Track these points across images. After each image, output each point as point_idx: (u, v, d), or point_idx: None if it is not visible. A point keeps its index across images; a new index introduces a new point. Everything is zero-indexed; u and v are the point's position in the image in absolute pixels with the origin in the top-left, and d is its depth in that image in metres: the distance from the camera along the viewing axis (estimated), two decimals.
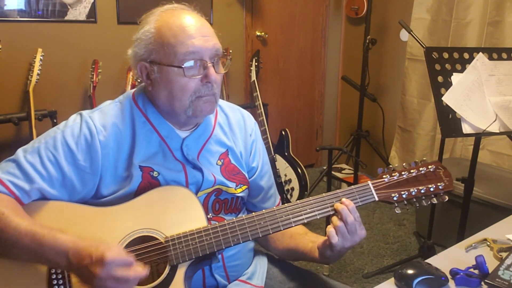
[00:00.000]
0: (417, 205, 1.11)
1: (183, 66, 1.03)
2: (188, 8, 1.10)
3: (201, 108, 1.07)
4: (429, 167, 1.12)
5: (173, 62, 1.03)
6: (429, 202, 1.10)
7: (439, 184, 1.10)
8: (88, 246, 0.92)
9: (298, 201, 1.07)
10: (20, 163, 1.02)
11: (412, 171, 1.11)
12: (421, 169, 1.11)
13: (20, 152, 1.05)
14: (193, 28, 1.04)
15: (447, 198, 1.10)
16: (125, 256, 0.92)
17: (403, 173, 1.10)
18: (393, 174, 1.10)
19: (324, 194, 1.07)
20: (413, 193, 1.09)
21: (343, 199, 1.05)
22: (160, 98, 1.09)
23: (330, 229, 1.04)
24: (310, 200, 1.06)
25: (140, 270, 0.93)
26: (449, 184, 1.11)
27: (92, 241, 0.94)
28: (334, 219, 1.05)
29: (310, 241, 1.17)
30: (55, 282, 0.99)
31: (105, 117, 1.09)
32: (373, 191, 1.08)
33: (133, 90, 1.17)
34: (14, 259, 0.98)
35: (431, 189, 1.09)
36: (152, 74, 1.07)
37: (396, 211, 1.09)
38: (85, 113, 1.10)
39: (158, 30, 1.05)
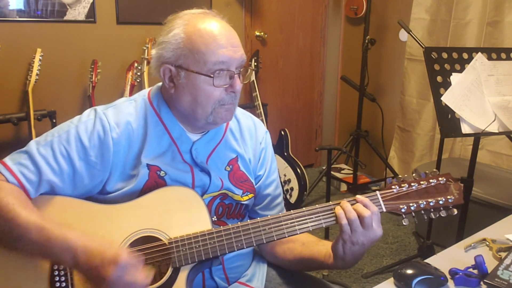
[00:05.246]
0: (425, 217, 1.08)
1: (212, 76, 1.03)
2: (217, 15, 1.09)
3: (222, 116, 1.08)
4: (440, 179, 1.09)
5: (202, 70, 1.03)
6: (438, 215, 1.08)
7: (449, 197, 1.07)
8: (98, 247, 0.92)
9: (304, 208, 1.05)
10: (33, 155, 1.02)
11: (422, 182, 1.08)
12: (431, 181, 1.08)
13: (32, 144, 1.05)
14: (224, 38, 1.04)
15: (456, 211, 1.07)
16: (135, 260, 0.93)
17: (412, 184, 1.08)
18: (402, 185, 1.08)
19: (330, 202, 1.06)
20: (422, 205, 1.06)
21: (342, 202, 1.03)
22: (182, 103, 1.08)
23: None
24: (316, 208, 1.05)
25: (146, 276, 0.93)
26: (459, 197, 1.08)
27: (101, 241, 0.95)
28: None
29: (325, 247, 1.13)
30: (57, 278, 0.98)
31: (119, 114, 1.09)
32: (381, 201, 1.06)
33: (149, 89, 1.16)
34: (18, 252, 0.98)
35: (440, 202, 1.07)
36: (178, 79, 1.06)
37: (404, 223, 1.06)
38: (100, 109, 1.10)
39: (188, 36, 1.04)
